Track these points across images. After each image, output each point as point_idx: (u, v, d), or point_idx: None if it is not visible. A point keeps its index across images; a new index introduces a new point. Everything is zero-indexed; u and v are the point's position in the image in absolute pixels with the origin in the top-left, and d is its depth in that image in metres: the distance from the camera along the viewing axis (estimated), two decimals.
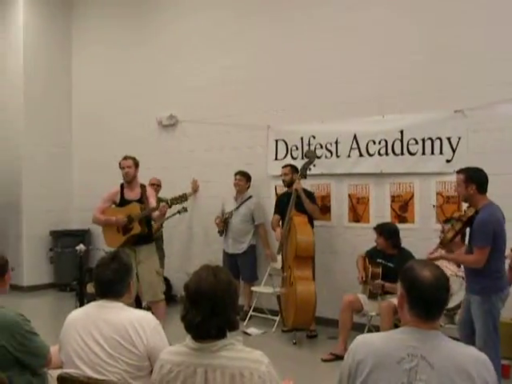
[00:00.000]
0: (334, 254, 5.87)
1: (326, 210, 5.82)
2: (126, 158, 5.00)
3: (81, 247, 5.16)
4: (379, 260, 4.81)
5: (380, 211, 5.54)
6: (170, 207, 4.77)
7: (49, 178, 8.14)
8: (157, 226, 5.78)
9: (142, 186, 5.05)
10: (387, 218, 5.49)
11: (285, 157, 6.13)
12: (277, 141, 6.19)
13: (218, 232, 6.17)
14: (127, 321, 2.31)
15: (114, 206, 5.02)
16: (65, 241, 7.89)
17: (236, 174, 5.99)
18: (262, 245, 6.28)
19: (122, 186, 5.03)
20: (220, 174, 6.71)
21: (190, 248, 7.02)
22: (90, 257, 7.37)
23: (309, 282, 5.01)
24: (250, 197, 6.04)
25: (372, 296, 4.75)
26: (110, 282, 2.38)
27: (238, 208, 6.02)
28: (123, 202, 4.95)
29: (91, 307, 2.49)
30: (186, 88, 6.98)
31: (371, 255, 4.94)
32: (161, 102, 7.29)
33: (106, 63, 7.95)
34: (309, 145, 5.93)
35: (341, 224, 5.83)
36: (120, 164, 5.01)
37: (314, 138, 5.89)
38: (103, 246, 5.39)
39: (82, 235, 7.96)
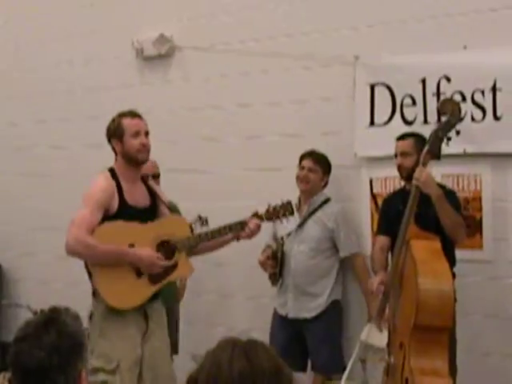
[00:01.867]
0: (493, 318, 4.06)
1: (471, 226, 4.06)
2: (135, 114, 3.43)
3: None
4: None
5: None
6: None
7: None
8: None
9: (143, 178, 3.53)
10: None
11: (390, 119, 4.26)
12: (373, 86, 4.35)
13: (270, 278, 4.32)
14: None
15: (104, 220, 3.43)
16: None
17: (304, 158, 4.22)
18: (354, 297, 4.45)
19: (115, 178, 3.38)
20: (262, 158, 4.72)
21: (203, 308, 5.20)
22: (2, 320, 5.61)
23: (442, 383, 3.49)
24: (328, 200, 4.25)
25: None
26: (41, 369, 1.78)
27: (302, 225, 4.22)
28: (126, 211, 3.37)
29: None
30: None
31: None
32: (141, 12, 5.23)
33: None
34: (438, 94, 4.07)
35: (504, 257, 4.08)
36: (123, 126, 3.38)
37: (447, 80, 4.08)
38: (29, 297, 4.68)
39: None
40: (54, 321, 1.85)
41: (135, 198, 3.40)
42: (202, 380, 1.49)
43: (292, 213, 3.66)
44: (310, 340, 4.20)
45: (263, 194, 4.33)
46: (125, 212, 3.33)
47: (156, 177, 4.46)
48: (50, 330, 1.83)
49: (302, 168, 4.14)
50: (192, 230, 3.57)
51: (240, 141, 4.78)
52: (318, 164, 4.18)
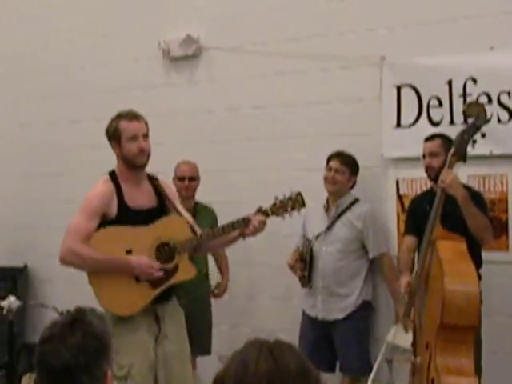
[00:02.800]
0: None
1: (497, 227, 4.07)
2: (134, 115, 3.26)
3: (10, 303, 3.58)
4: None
5: None
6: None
7: None
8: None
9: (153, 179, 3.35)
10: None
11: (416, 120, 4.28)
12: (399, 88, 4.36)
13: (300, 280, 4.23)
14: None
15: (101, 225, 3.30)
16: None
17: (331, 159, 4.18)
18: (385, 298, 4.40)
19: (114, 181, 3.27)
20: (291, 159, 4.67)
21: (230, 309, 5.12)
22: (28, 321, 5.52)
23: (467, 381, 3.49)
24: (356, 201, 4.21)
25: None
26: (67, 370, 1.76)
27: (331, 227, 4.14)
28: (127, 215, 3.23)
29: None
30: None
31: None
32: (168, 13, 5.21)
33: None
34: (464, 96, 4.08)
35: None
36: (120, 129, 3.24)
37: (474, 81, 4.09)
38: (55, 298, 4.58)
39: (13, 278, 5.55)
40: (79, 321, 1.86)
41: (137, 200, 3.28)
42: (228, 380, 1.49)
43: (303, 205, 3.44)
44: (339, 341, 4.16)
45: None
46: (125, 215, 3.24)
47: (193, 179, 4.35)
48: (75, 330, 1.84)
49: (329, 169, 4.09)
50: (193, 230, 3.36)
51: (270, 141, 4.77)
52: (345, 165, 4.13)
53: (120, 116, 3.20)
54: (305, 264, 4.14)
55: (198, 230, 3.34)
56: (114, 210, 3.18)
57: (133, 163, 3.15)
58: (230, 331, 4.30)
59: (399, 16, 4.35)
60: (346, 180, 4.11)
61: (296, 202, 3.35)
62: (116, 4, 5.37)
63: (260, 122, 4.82)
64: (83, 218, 3.17)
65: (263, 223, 3.23)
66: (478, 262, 3.52)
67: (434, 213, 3.47)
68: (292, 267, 4.16)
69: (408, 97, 4.26)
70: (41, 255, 5.21)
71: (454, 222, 3.49)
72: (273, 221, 3.81)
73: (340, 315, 4.10)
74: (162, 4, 5.24)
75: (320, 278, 4.11)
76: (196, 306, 3.93)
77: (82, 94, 5.41)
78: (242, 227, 3.24)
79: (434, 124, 4.15)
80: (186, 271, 3.24)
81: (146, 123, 3.25)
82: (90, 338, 1.83)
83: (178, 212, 3.31)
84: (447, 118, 4.11)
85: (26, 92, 5.57)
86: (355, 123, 4.44)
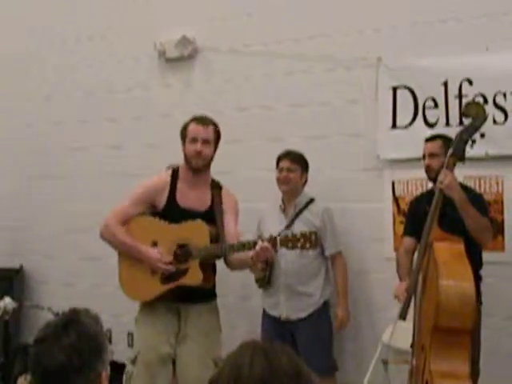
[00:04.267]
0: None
1: (493, 228, 3.97)
2: (202, 120, 3.35)
3: (6, 303, 3.53)
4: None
5: None
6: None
7: None
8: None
9: (215, 187, 3.44)
10: None
11: (412, 121, 4.28)
12: (395, 89, 4.35)
13: (257, 282, 4.20)
14: None
15: (149, 215, 3.44)
16: None
17: (281, 159, 4.16)
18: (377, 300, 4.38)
19: (173, 177, 3.40)
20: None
21: (223, 311, 4.90)
22: (23, 322, 5.42)
23: None
24: (312, 200, 4.15)
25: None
26: (61, 371, 1.75)
27: (289, 226, 4.08)
28: (173, 211, 3.35)
29: None
30: None
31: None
32: (164, 14, 5.13)
33: None
34: (460, 97, 4.10)
35: None
36: (187, 130, 3.36)
37: (469, 82, 4.11)
38: (51, 299, 4.63)
39: (9, 279, 5.48)
40: (73, 322, 1.86)
41: (189, 201, 3.37)
42: (222, 382, 1.48)
43: (315, 245, 3.32)
44: (302, 341, 4.06)
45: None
46: (171, 210, 3.33)
47: None
48: (69, 331, 1.84)
49: (280, 170, 4.06)
50: (213, 239, 3.37)
51: (262, 143, 4.72)
52: (295, 163, 4.10)
53: (194, 118, 3.36)
54: (267, 263, 4.06)
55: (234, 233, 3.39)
56: (162, 203, 3.32)
57: (190, 164, 3.28)
58: (224, 333, 4.23)
59: (395, 17, 4.32)
60: (299, 177, 4.08)
61: (308, 240, 3.25)
62: (111, 5, 5.34)
63: (258, 122, 4.78)
64: (127, 202, 3.36)
65: (267, 250, 3.16)
66: (477, 263, 3.52)
67: (432, 214, 3.40)
68: (250, 268, 4.01)
69: (404, 98, 4.24)
70: (37, 256, 5.21)
71: (453, 223, 3.45)
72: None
73: (303, 314, 4.04)
74: (158, 5, 5.20)
75: (282, 277, 4.06)
76: None
77: (78, 95, 5.40)
78: (251, 249, 3.22)
79: (430, 125, 4.14)
80: (193, 277, 3.27)
81: (215, 130, 3.35)
82: (85, 339, 1.82)
83: (222, 223, 3.36)
84: (443, 119, 4.09)
85: (29, 92, 5.54)
86: (351, 124, 4.41)
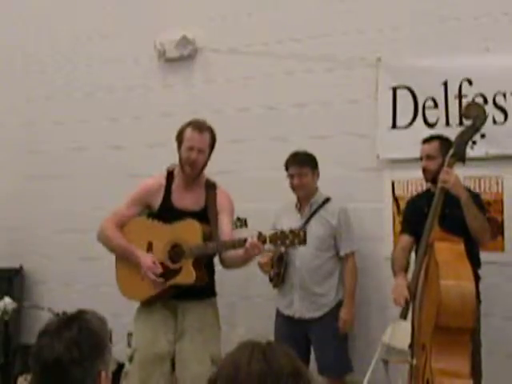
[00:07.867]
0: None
1: (493, 228, 4.00)
2: (199, 127, 3.37)
3: (6, 303, 3.56)
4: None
5: None
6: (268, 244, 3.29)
7: None
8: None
9: (210, 187, 3.48)
10: None
11: (412, 121, 4.28)
12: (395, 89, 4.35)
13: (271, 281, 4.12)
14: None
15: (146, 216, 3.50)
16: None
17: (289, 165, 4.09)
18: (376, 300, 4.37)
19: (168, 178, 3.45)
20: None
21: (222, 310, 4.97)
22: (23, 322, 5.37)
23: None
24: (328, 200, 4.11)
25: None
26: (59, 363, 1.73)
27: (305, 225, 4.00)
28: (168, 211, 3.40)
29: None
30: None
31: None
32: (164, 14, 5.13)
33: None
34: (460, 97, 4.09)
35: None
36: (183, 138, 3.39)
37: (469, 83, 4.09)
38: (50, 299, 4.60)
39: (8, 279, 5.43)
40: (77, 318, 1.86)
41: (183, 201, 3.40)
42: (221, 382, 1.48)
43: (304, 242, 3.32)
44: (316, 341, 4.07)
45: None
46: (166, 211, 3.36)
47: None
48: (71, 325, 1.83)
49: (291, 176, 4.03)
50: (206, 237, 3.38)
51: (264, 142, 4.70)
52: (305, 167, 4.06)
53: (190, 123, 3.37)
54: (281, 262, 4.06)
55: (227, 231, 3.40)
56: (157, 204, 3.36)
57: (183, 169, 3.34)
58: (223, 332, 4.25)
59: (395, 18, 4.31)
60: (311, 179, 4.06)
61: (297, 237, 3.26)
62: (111, 5, 5.33)
63: (258, 122, 4.75)
64: (125, 203, 3.41)
65: (256, 247, 3.17)
66: (476, 263, 3.49)
67: (433, 214, 3.41)
68: (263, 266, 4.04)
69: (404, 98, 4.23)
70: (36, 256, 5.20)
71: (453, 223, 3.43)
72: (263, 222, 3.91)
73: (316, 314, 4.01)
74: (158, 5, 5.17)
75: (297, 276, 4.03)
76: None
77: (78, 95, 5.38)
78: (242, 246, 3.22)
79: (430, 125, 4.13)
80: (186, 275, 3.28)
81: (210, 137, 3.38)
82: (86, 334, 1.81)
83: (216, 222, 3.37)
84: (443, 120, 4.08)
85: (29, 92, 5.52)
86: (351, 124, 4.40)
